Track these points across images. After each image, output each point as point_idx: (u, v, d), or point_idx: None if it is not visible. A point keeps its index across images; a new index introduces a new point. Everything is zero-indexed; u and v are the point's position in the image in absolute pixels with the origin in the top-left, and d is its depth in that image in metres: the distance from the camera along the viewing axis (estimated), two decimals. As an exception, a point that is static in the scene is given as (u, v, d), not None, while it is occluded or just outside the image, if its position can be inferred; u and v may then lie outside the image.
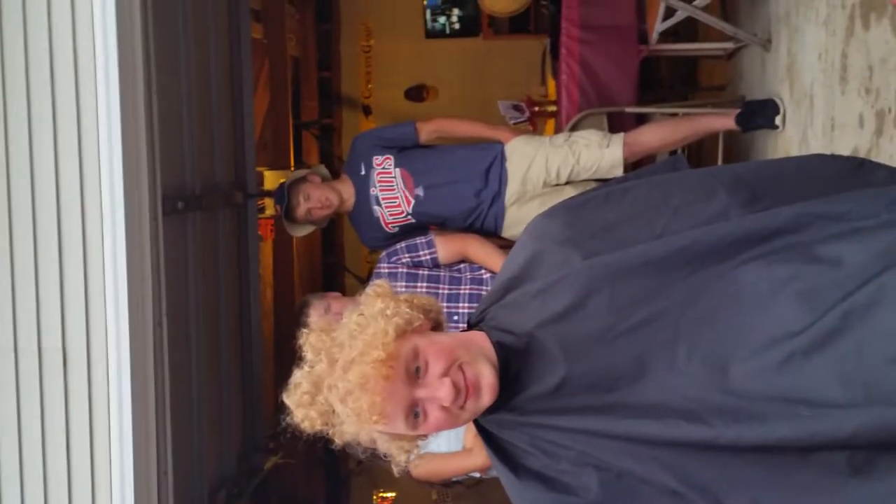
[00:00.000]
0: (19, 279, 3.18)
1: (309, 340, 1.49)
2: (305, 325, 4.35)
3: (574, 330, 1.43)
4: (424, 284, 3.74)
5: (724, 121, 4.32)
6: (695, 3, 4.41)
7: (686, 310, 1.36)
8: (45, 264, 3.17)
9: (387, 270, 3.90)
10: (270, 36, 7.28)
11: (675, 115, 4.80)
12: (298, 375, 1.48)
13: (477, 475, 3.55)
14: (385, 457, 1.55)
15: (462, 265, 3.88)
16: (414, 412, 1.44)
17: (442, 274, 3.84)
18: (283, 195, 4.29)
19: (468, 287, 3.76)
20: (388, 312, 1.45)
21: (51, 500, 3.21)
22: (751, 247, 1.36)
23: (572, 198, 1.63)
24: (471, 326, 1.59)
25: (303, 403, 1.46)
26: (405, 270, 3.85)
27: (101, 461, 3.18)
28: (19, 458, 3.21)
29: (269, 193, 5.58)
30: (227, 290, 4.68)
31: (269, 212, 6.02)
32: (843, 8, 3.39)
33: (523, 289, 1.50)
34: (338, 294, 3.92)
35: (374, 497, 8.56)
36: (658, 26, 4.64)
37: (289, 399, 1.49)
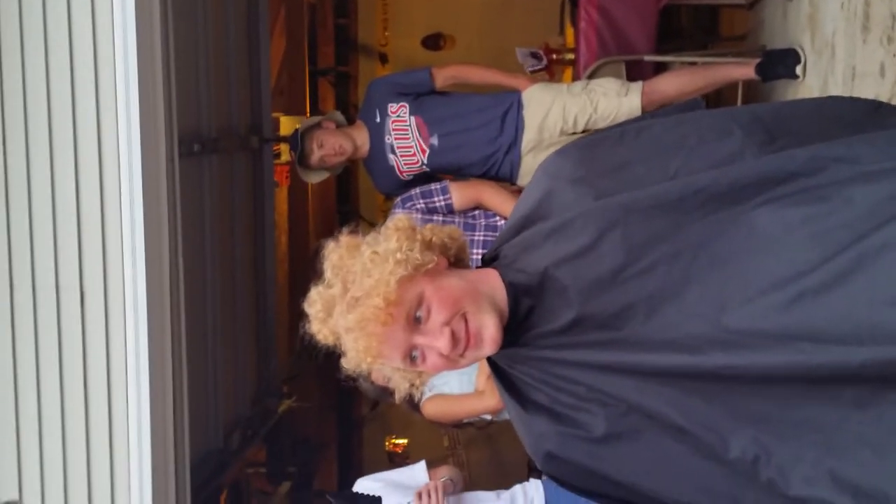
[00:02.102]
0: (37, 220, 3.20)
1: (331, 259, 1.50)
2: (321, 271, 4.32)
3: (587, 270, 1.43)
4: (438, 230, 3.75)
5: (743, 70, 4.28)
6: (717, -51, 4.35)
7: (698, 252, 1.36)
8: (62, 205, 3.19)
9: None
10: (287, -19, 7.23)
11: (694, 64, 4.76)
12: (314, 293, 1.50)
13: (488, 417, 3.58)
14: (388, 381, 1.58)
15: (476, 211, 3.88)
16: (412, 355, 1.46)
17: (456, 220, 3.84)
18: (297, 142, 4.28)
19: (482, 233, 3.76)
20: (399, 256, 1.45)
21: (68, 439, 3.27)
22: (765, 189, 1.35)
23: (586, 137, 1.62)
24: (485, 264, 1.59)
25: (317, 319, 1.49)
26: (419, 216, 3.86)
27: (118, 401, 3.23)
28: (37, 397, 3.26)
29: (284, 139, 5.58)
30: (243, 234, 4.71)
31: (285, 157, 6.02)
32: (868, -45, 3.34)
33: (536, 227, 1.50)
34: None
35: (387, 443, 8.65)
36: (679, -26, 4.59)
37: (307, 309, 1.51)
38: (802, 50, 4.06)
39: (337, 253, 1.49)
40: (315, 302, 1.49)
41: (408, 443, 8.51)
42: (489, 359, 1.55)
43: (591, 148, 1.55)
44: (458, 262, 1.56)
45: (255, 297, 4.97)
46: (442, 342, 1.43)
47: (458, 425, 3.91)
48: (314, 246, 3.97)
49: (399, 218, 1.52)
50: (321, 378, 7.25)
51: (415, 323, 1.45)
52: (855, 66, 3.41)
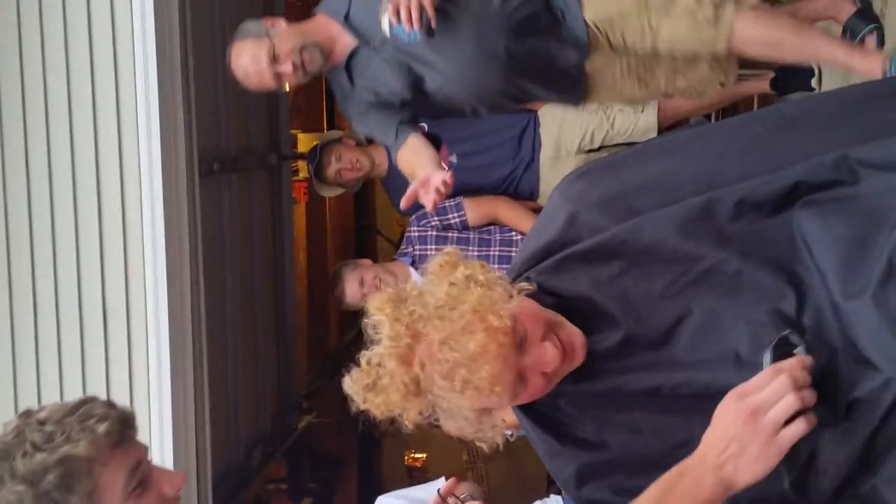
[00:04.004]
0: (59, 240, 3.24)
1: (385, 312, 1.37)
2: (341, 300, 4.14)
3: (632, 288, 1.41)
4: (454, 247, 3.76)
5: (758, 84, 4.28)
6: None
7: (745, 260, 1.35)
8: (85, 225, 3.23)
9: (417, 233, 3.93)
10: (304, -1, 7.28)
11: (709, 78, 4.75)
12: (377, 354, 1.37)
13: (508, 433, 3.58)
14: (477, 437, 1.49)
15: (491, 227, 3.90)
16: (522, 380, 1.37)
17: (471, 236, 3.86)
18: (316, 154, 4.30)
19: (497, 249, 3.78)
20: (481, 278, 1.38)
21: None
22: (803, 195, 1.36)
23: (604, 157, 1.60)
24: None
25: (392, 383, 1.36)
26: (434, 233, 3.88)
27: (141, 419, 3.24)
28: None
29: (302, 156, 5.61)
30: (262, 251, 4.74)
31: (303, 174, 6.06)
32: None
33: (566, 251, 1.46)
34: (368, 262, 3.92)
35: (406, 457, 8.64)
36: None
37: (359, 381, 1.39)
38: (817, 63, 4.07)
39: (390, 306, 1.37)
40: (378, 364, 1.36)
41: (427, 457, 8.50)
42: None
43: (613, 167, 1.53)
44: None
45: (274, 314, 4.99)
46: (550, 355, 1.36)
47: (479, 441, 3.91)
48: (332, 271, 3.98)
49: (448, 251, 1.46)
50: (340, 393, 7.27)
51: (520, 344, 1.36)
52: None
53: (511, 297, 1.38)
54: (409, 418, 1.39)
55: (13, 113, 3.23)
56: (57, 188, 3.23)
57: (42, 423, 1.34)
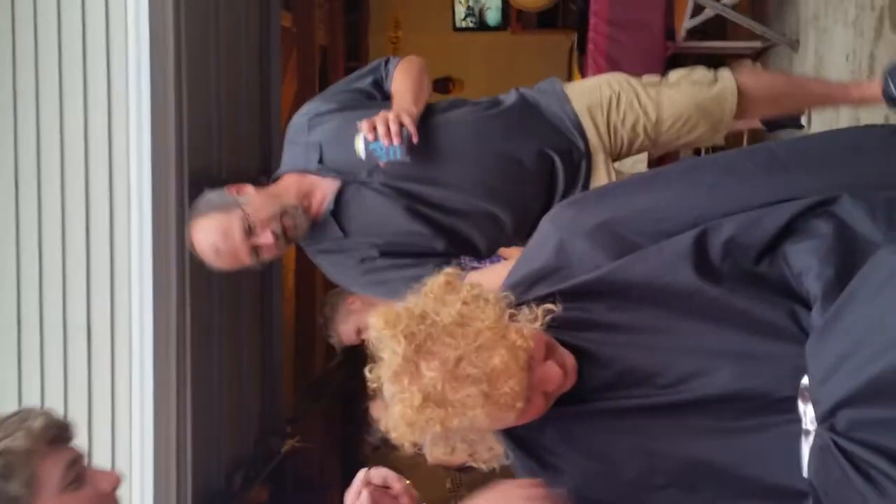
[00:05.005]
0: (46, 260, 3.24)
1: (393, 329, 1.35)
2: (339, 346, 3.85)
3: (621, 324, 1.42)
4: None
5: (748, 121, 4.31)
6: (724, 1, 4.41)
7: (734, 296, 1.36)
8: (72, 246, 3.23)
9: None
10: (299, 24, 7.30)
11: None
12: (385, 374, 1.35)
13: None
14: (473, 459, 1.51)
15: (496, 257, 3.89)
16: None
17: (479, 267, 3.84)
18: None
19: (488, 277, 3.77)
20: (490, 298, 1.38)
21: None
22: (788, 235, 1.37)
23: (597, 188, 1.62)
24: None
25: (395, 406, 1.35)
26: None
27: (121, 441, 3.24)
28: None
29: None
30: (250, 273, 4.72)
31: (293, 199, 6.05)
32: (872, 9, 3.39)
33: (556, 287, 1.47)
34: (356, 303, 3.69)
35: (390, 485, 8.59)
36: (686, 23, 4.63)
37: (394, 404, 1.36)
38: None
39: (405, 322, 1.36)
40: (388, 382, 1.35)
41: (410, 484, 8.47)
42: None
43: (604, 197, 1.56)
44: None
45: (261, 336, 4.97)
46: (555, 374, 1.37)
47: (463, 469, 3.88)
48: (320, 319, 3.84)
49: (448, 272, 1.45)
50: (325, 418, 7.24)
51: (529, 364, 1.36)
52: (859, 117, 3.45)
53: (536, 318, 1.40)
54: (414, 440, 1.39)
55: (4, 128, 3.23)
56: (45, 209, 3.22)
57: None
